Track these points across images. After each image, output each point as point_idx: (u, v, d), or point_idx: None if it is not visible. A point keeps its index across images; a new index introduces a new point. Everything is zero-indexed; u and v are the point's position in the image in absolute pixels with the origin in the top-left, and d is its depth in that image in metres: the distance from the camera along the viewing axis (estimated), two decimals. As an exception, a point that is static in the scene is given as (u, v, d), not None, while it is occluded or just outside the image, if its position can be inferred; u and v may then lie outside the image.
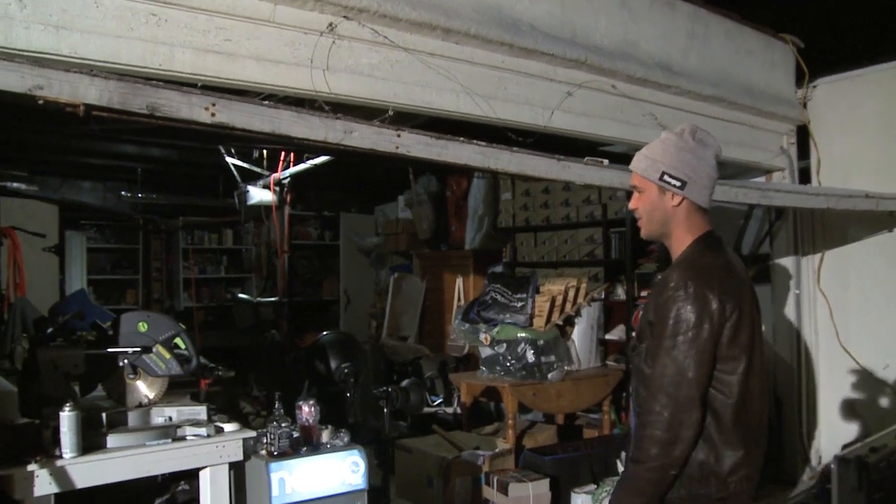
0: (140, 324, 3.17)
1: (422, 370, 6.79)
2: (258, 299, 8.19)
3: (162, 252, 10.57)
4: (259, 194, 7.27)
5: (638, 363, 2.29)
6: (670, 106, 4.35)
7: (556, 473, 4.66)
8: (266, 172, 7.15)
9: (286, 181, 7.17)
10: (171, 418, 3.13)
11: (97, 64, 2.47)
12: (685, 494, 2.18)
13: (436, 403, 6.66)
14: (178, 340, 3.19)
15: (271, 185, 7.17)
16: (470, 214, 8.21)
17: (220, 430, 3.14)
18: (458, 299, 7.87)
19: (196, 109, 2.12)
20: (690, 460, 2.14)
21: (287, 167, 7.03)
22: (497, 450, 4.99)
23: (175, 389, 3.49)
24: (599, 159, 3.35)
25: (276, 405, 3.25)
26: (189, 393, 3.51)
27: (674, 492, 2.16)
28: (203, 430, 3.07)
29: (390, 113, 2.83)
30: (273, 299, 8.30)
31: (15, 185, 8.19)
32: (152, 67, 2.62)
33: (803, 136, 5.46)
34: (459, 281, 7.70)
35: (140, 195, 9.18)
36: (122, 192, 9.30)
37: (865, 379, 5.02)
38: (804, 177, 5.43)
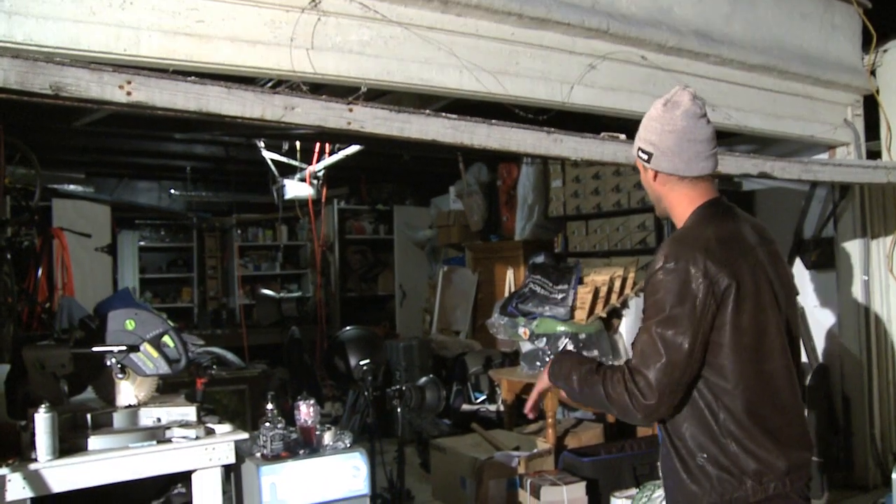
0: (127, 322, 3.03)
1: (466, 366, 6.56)
2: (281, 295, 8.08)
3: (217, 250, 10.59)
4: (295, 188, 7.15)
5: None
6: (710, 77, 3.99)
7: (594, 476, 4.36)
8: (304, 165, 7.02)
9: (321, 173, 7.01)
10: (159, 419, 2.97)
11: (55, 51, 2.31)
12: (717, 500, 1.99)
13: (479, 401, 6.41)
14: (166, 339, 3.03)
15: (307, 179, 7.03)
16: (519, 204, 7.91)
17: (210, 432, 2.97)
18: (509, 292, 7.58)
19: (109, 88, 1.93)
20: (717, 458, 1.99)
21: (322, 159, 6.88)
22: (535, 450, 4.72)
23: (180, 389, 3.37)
24: (617, 135, 3.04)
25: (269, 406, 3.06)
26: (184, 393, 3.36)
27: (706, 497, 2.00)
28: (192, 432, 2.90)
29: (363, 89, 2.58)
30: (296, 295, 8.20)
31: (72, 187, 8.32)
32: (116, 53, 2.45)
33: (871, 107, 4.98)
34: (510, 273, 7.43)
35: (192, 193, 9.21)
36: (171, 191, 9.34)
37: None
38: (877, 155, 4.96)
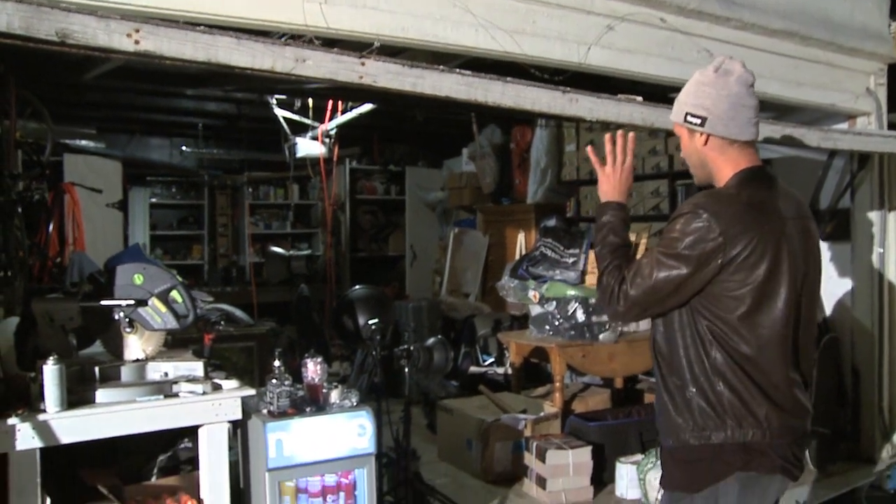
0: (136, 276, 3.01)
1: (475, 328, 6.56)
2: (291, 252, 8.07)
3: (227, 207, 10.57)
4: (307, 147, 7.09)
5: None
6: (730, 41, 3.90)
7: (601, 441, 4.38)
8: (315, 124, 6.96)
9: (333, 132, 6.95)
10: (166, 374, 2.97)
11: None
12: (698, 434, 2.14)
13: (487, 363, 6.42)
14: (174, 294, 3.01)
15: (319, 137, 6.97)
16: (532, 167, 7.85)
17: (217, 388, 2.97)
18: (520, 255, 7.55)
19: (116, 37, 1.89)
20: (705, 393, 2.13)
21: (334, 117, 6.81)
22: (542, 414, 4.72)
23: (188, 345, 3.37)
24: (633, 97, 2.99)
25: (277, 363, 3.06)
26: (192, 348, 3.35)
27: (688, 430, 2.15)
28: (199, 387, 2.90)
29: (376, 45, 2.53)
30: (305, 253, 8.18)
31: (83, 142, 8.29)
32: (124, 3, 2.39)
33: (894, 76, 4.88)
34: (521, 236, 7.38)
35: (203, 150, 9.16)
36: (183, 147, 9.30)
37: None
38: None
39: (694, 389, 2.15)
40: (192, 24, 2.08)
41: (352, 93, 5.15)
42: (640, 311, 2.21)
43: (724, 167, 2.23)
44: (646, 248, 5.26)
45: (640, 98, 2.97)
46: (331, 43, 2.47)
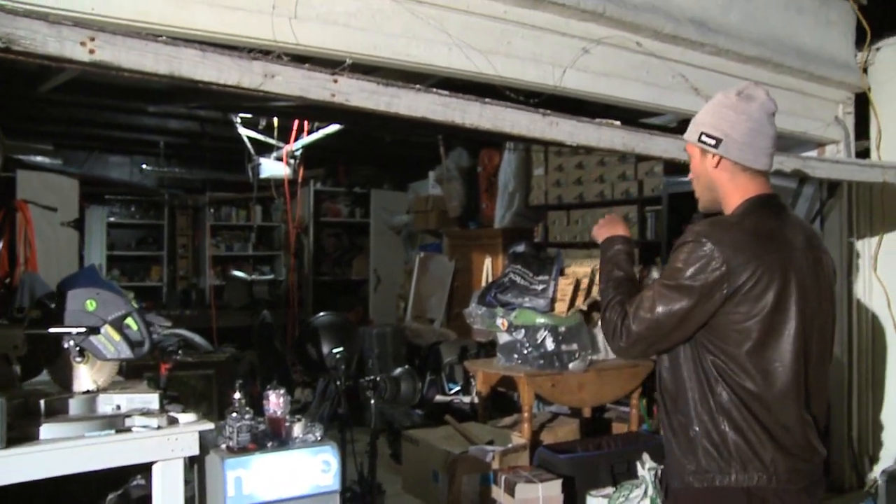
0: (88, 302, 2.83)
1: (440, 356, 6.43)
2: (253, 277, 7.89)
3: (188, 228, 10.35)
4: (271, 167, 6.94)
5: None
6: (705, 67, 3.86)
7: (571, 473, 4.24)
8: (280, 144, 6.82)
9: (298, 153, 6.81)
10: (119, 407, 2.79)
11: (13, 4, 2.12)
12: (702, 477, 2.05)
13: (452, 392, 6.29)
14: (129, 321, 2.84)
15: (284, 158, 6.83)
16: (500, 191, 7.79)
17: (173, 421, 2.79)
18: (487, 280, 7.46)
19: (69, 45, 1.75)
20: (709, 433, 2.04)
21: (300, 138, 6.68)
22: (510, 445, 4.60)
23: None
24: (613, 121, 2.90)
25: (237, 395, 2.90)
26: (148, 377, 3.18)
27: (692, 473, 2.07)
28: (153, 421, 2.73)
29: (348, 62, 2.43)
30: (268, 277, 8.00)
31: (38, 159, 8.05)
32: (82, 11, 2.25)
33: (862, 105, 4.89)
34: (488, 261, 7.28)
35: (164, 169, 8.96)
36: (143, 166, 9.09)
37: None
38: (864, 155, 4.87)
39: (698, 429, 2.05)
40: (153, 35, 1.94)
41: (319, 112, 5.01)
42: (645, 346, 2.12)
43: (733, 193, 2.17)
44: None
45: (618, 122, 2.89)
46: (300, 60, 2.35)
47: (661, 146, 3.00)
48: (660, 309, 2.03)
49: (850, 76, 4.69)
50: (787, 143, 4.62)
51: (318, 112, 4.95)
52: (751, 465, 2.00)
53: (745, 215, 2.11)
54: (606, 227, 2.44)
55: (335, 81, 2.11)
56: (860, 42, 4.79)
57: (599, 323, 2.24)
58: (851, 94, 4.81)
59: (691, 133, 2.23)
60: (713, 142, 2.14)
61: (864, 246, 4.89)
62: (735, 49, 3.88)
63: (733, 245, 2.01)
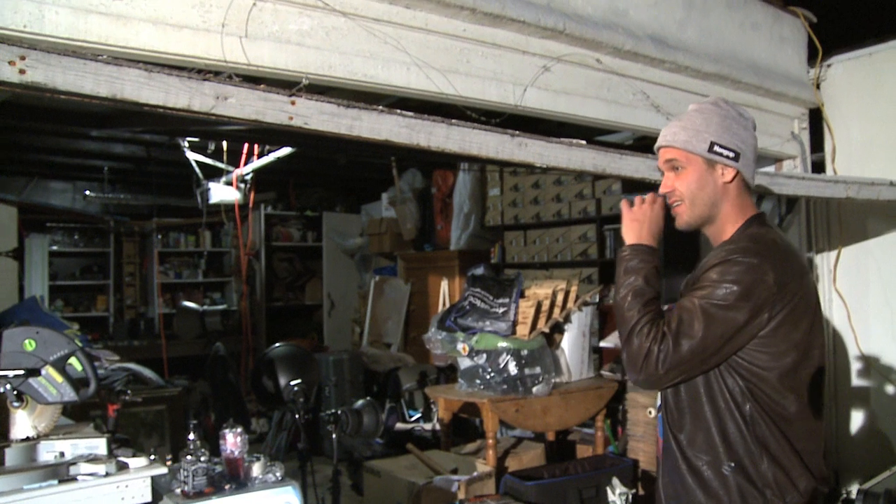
0: (26, 341, 2.64)
1: (399, 382, 6.28)
2: (205, 307, 7.66)
3: (135, 256, 10.03)
4: (221, 192, 6.75)
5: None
6: (665, 84, 3.82)
7: (538, 500, 4.13)
8: (230, 168, 6.63)
9: (249, 177, 6.63)
10: (62, 454, 2.61)
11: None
12: None
13: (413, 419, 6.14)
14: (73, 361, 2.66)
15: (234, 182, 6.64)
16: (455, 212, 7.69)
17: (123, 467, 2.61)
18: (443, 304, 7.36)
19: (-6, 64, 1.59)
20: (745, 468, 1.90)
21: (250, 161, 6.50)
22: (475, 473, 4.47)
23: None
24: (580, 141, 2.82)
25: (191, 436, 2.73)
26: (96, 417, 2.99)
27: None
28: (101, 468, 2.55)
29: (305, 82, 2.30)
30: (220, 307, 7.78)
31: (-29, 186, 7.74)
32: (14, 29, 2.07)
33: (816, 121, 4.92)
34: (444, 284, 7.19)
35: (109, 195, 8.68)
36: (87, 192, 8.80)
37: (889, 392, 4.47)
38: (818, 167, 4.89)
39: (732, 464, 1.91)
40: (93, 54, 1.79)
41: (272, 135, 4.86)
42: (681, 373, 1.92)
43: (737, 211, 2.06)
44: (576, 295, 5.11)
45: (584, 142, 2.80)
46: (253, 81, 2.22)
47: (631, 166, 2.92)
48: (708, 331, 1.86)
49: (805, 92, 4.72)
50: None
51: (271, 135, 4.79)
52: (789, 496, 1.91)
53: (767, 233, 2.03)
54: (640, 225, 2.12)
55: (293, 103, 1.98)
56: (812, 59, 4.83)
57: (635, 335, 1.94)
58: (806, 109, 4.84)
59: (695, 142, 2.04)
60: (732, 154, 2.03)
61: (823, 260, 4.89)
62: (694, 66, 3.84)
63: (781, 263, 1.91)
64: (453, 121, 2.32)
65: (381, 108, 2.13)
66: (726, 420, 1.92)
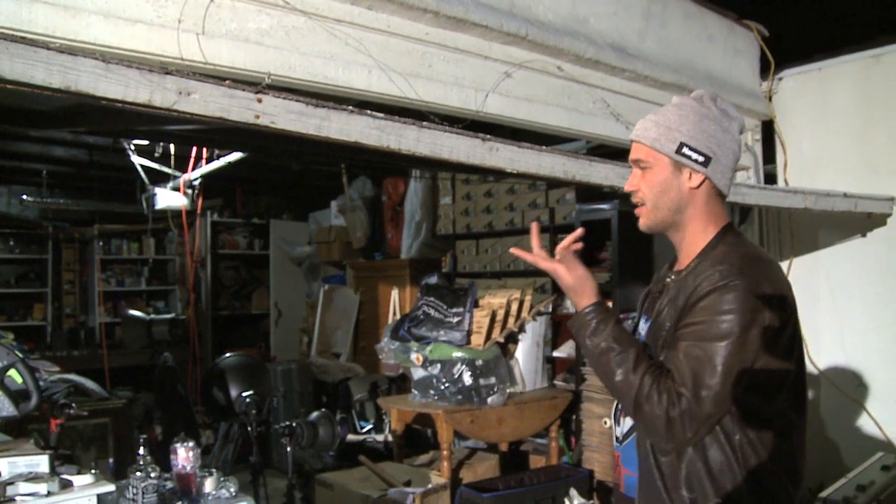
0: (-37, 352, 2.50)
1: (350, 393, 6.17)
2: (151, 316, 7.44)
3: (75, 263, 9.69)
4: (167, 198, 6.55)
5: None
6: (625, 93, 3.81)
7: (496, 513, 4.08)
8: (177, 173, 6.44)
9: (197, 182, 6.46)
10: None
11: None
12: None
13: (364, 430, 6.04)
14: (12, 373, 2.52)
15: (181, 188, 6.46)
16: (406, 221, 7.60)
17: (66, 485, 2.48)
18: (394, 313, 7.27)
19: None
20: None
21: (198, 166, 6.33)
22: (430, 486, 4.39)
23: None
24: (541, 146, 2.78)
25: (140, 451, 2.61)
26: (37, 430, 2.84)
27: None
28: (42, 487, 2.41)
29: (268, 81, 2.21)
30: (168, 316, 7.56)
31: None
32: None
33: (768, 132, 4.98)
34: (395, 293, 7.11)
35: (48, 200, 8.37)
36: (24, 196, 8.48)
37: (839, 400, 4.53)
38: (769, 179, 4.95)
39: (719, 500, 1.76)
40: (45, 43, 1.66)
41: (223, 138, 4.70)
42: (711, 426, 1.73)
43: (705, 219, 1.89)
44: (530, 305, 5.07)
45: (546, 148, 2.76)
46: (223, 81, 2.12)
47: (601, 173, 2.88)
48: (725, 375, 1.68)
49: (758, 104, 4.77)
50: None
51: (222, 137, 4.65)
52: None
53: (750, 246, 1.90)
54: (578, 289, 1.90)
55: (259, 101, 1.88)
56: (764, 72, 4.89)
57: (644, 402, 1.71)
58: (759, 121, 4.90)
59: (663, 141, 1.87)
60: (702, 158, 1.84)
61: (774, 271, 4.94)
62: (653, 75, 3.84)
63: (776, 277, 1.79)
64: (424, 123, 2.25)
65: (350, 108, 2.05)
66: (717, 450, 1.76)
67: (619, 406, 2.06)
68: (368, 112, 2.10)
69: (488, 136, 2.40)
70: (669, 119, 1.88)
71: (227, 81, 1.89)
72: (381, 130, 2.09)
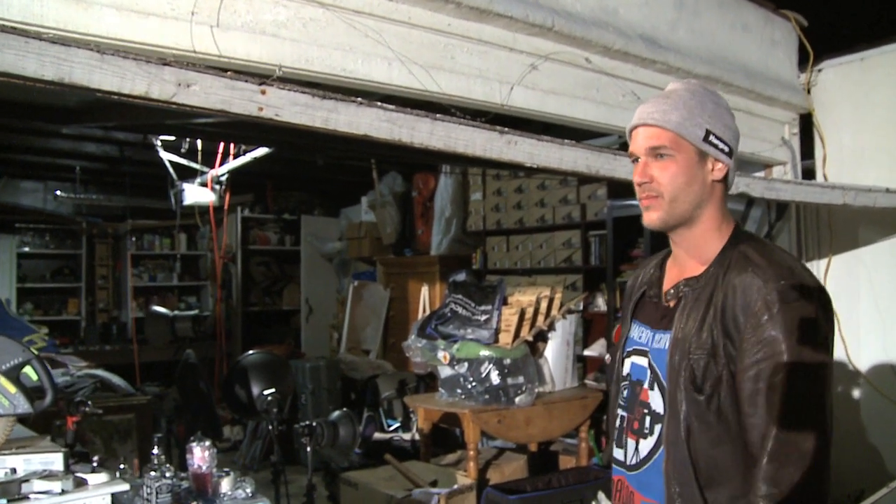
0: (-23, 349, 2.47)
1: (378, 390, 6.12)
2: (175, 313, 7.45)
3: (108, 258, 9.78)
4: (195, 193, 6.55)
5: (698, 409, 1.62)
6: (656, 85, 3.67)
7: (522, 516, 4.00)
8: (204, 169, 6.43)
9: (224, 178, 6.44)
10: (13, 471, 2.44)
11: None
12: None
13: (392, 428, 5.98)
14: (28, 370, 2.49)
15: (209, 183, 6.45)
16: (436, 216, 7.54)
17: (80, 484, 2.45)
18: (424, 310, 7.20)
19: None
20: None
21: (225, 162, 6.31)
22: (455, 486, 4.31)
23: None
24: (562, 140, 2.68)
25: (155, 451, 2.57)
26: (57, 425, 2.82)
27: None
28: (56, 485, 2.38)
29: (278, 73, 2.14)
30: (191, 313, 7.57)
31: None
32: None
33: (806, 126, 4.82)
34: (425, 290, 7.04)
35: (81, 196, 8.44)
36: (58, 192, 8.55)
37: (880, 404, 4.37)
38: (808, 174, 4.79)
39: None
40: (36, 33, 1.61)
41: (247, 132, 4.66)
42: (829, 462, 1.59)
43: (720, 218, 1.72)
44: (560, 302, 4.97)
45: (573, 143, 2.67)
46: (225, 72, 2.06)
47: (626, 168, 2.78)
48: (821, 413, 1.58)
49: (796, 97, 4.61)
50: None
51: (246, 132, 4.61)
52: None
53: (770, 244, 1.76)
54: None
55: (263, 93, 1.81)
56: (803, 63, 4.73)
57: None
58: (797, 114, 4.74)
59: (689, 126, 1.66)
60: (727, 149, 1.68)
61: (813, 268, 4.78)
62: (685, 67, 3.72)
63: (818, 282, 1.66)
64: (438, 115, 2.16)
65: (359, 100, 1.97)
66: (744, 474, 1.60)
67: (625, 425, 1.81)
68: (378, 104, 2.02)
69: (506, 129, 2.31)
70: (689, 104, 1.67)
71: (230, 72, 1.83)
72: (393, 123, 2.01)
